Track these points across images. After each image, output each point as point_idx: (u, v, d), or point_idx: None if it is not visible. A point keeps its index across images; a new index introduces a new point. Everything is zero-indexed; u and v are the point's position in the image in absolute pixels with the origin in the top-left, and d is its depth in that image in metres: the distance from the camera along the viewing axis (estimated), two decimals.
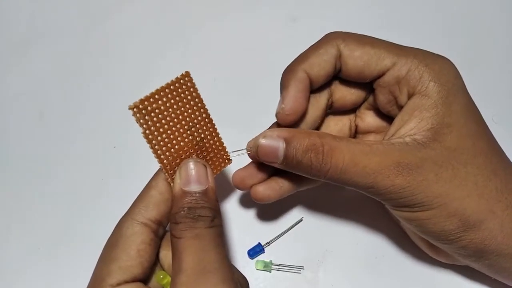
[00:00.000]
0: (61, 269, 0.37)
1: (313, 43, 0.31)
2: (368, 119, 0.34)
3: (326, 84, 0.32)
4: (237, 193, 0.40)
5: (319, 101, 0.32)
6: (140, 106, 0.26)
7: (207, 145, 0.30)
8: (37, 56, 0.50)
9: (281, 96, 0.31)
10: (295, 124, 0.31)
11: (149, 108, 0.26)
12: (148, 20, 0.52)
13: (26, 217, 0.40)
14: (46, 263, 0.38)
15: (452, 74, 0.29)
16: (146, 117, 0.26)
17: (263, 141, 0.29)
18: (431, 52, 0.30)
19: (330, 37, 0.30)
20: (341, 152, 0.27)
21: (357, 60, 0.29)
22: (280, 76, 0.32)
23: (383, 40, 0.30)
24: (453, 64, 0.30)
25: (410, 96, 0.29)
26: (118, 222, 0.29)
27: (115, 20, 0.52)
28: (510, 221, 0.28)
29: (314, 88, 0.31)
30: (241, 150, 0.31)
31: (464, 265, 0.32)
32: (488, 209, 0.27)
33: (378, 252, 0.37)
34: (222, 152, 0.31)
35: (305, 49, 0.31)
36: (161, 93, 0.27)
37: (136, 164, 0.42)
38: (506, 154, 0.31)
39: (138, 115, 0.26)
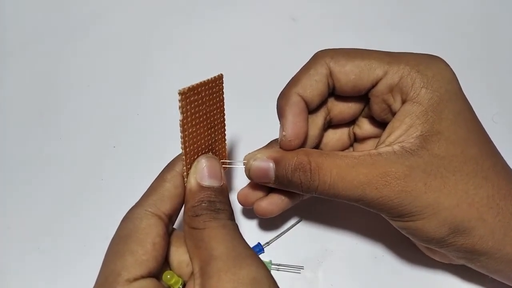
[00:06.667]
0: (61, 269, 0.37)
1: (305, 57, 0.31)
2: (366, 126, 0.34)
3: (322, 103, 0.32)
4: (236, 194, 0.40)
5: (316, 120, 0.32)
6: (187, 94, 0.26)
7: (215, 149, 0.31)
8: (36, 56, 0.50)
9: (280, 123, 0.31)
10: (300, 147, 0.31)
11: (191, 98, 0.27)
12: (147, 20, 0.52)
13: (26, 217, 0.40)
14: (46, 263, 0.38)
15: (446, 79, 0.28)
16: (187, 106, 0.27)
17: (253, 163, 0.30)
18: (425, 55, 0.29)
19: (318, 56, 0.30)
20: (327, 168, 0.28)
21: (348, 74, 0.29)
22: (279, 75, 0.32)
23: (373, 50, 0.30)
24: (449, 67, 0.29)
25: (403, 103, 0.28)
26: (129, 213, 0.27)
27: (115, 20, 0.52)
28: (502, 227, 0.28)
29: (312, 109, 0.31)
30: (237, 161, 0.32)
31: (461, 264, 0.32)
32: (478, 217, 0.27)
33: (378, 252, 0.37)
34: (222, 159, 0.32)
35: (296, 72, 0.31)
36: (201, 88, 0.28)
37: (136, 164, 0.42)
38: (506, 154, 0.30)
39: (183, 102, 0.26)
